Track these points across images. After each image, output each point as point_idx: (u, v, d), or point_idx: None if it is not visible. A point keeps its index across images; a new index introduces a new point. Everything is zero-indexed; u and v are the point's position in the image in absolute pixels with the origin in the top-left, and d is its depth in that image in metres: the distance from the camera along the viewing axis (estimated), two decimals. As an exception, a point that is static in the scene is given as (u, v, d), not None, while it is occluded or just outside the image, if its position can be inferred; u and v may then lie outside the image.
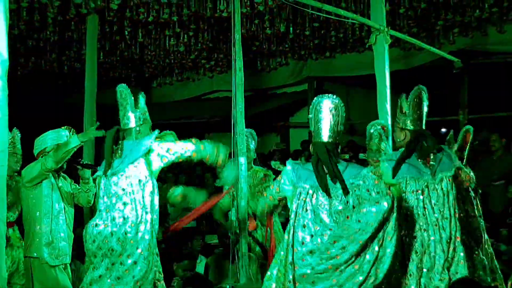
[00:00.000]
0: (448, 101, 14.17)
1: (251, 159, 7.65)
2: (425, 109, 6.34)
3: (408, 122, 6.22)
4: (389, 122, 7.70)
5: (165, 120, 16.40)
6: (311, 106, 5.53)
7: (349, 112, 15.83)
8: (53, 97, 17.35)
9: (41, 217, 6.41)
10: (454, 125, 10.26)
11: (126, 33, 12.13)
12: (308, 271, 5.14)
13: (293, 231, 5.25)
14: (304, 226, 5.21)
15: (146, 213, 5.53)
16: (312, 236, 5.17)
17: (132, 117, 5.91)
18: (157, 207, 5.62)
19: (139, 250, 5.46)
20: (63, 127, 6.72)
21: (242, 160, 6.61)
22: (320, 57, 14.85)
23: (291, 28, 12.24)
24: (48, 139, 6.61)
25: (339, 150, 5.43)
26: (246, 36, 11.87)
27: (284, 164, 5.59)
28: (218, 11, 10.85)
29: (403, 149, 6.09)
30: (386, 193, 5.16)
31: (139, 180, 5.57)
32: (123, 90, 5.96)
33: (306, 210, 5.25)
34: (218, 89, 16.34)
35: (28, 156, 6.86)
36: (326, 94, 5.58)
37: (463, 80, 13.78)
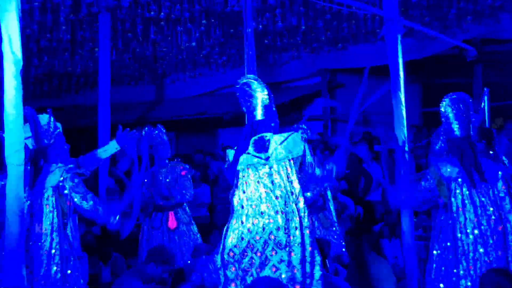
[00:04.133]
0: (462, 89, 14.07)
1: None
2: None
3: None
4: (404, 112, 7.66)
5: (179, 116, 16.48)
6: (443, 105, 5.66)
7: (363, 103, 15.81)
8: (67, 96, 17.45)
9: None
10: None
11: (138, 31, 12.16)
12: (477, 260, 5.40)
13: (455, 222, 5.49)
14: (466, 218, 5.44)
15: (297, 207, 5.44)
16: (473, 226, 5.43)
17: (260, 110, 5.57)
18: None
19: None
20: None
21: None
22: (333, 49, 14.82)
23: (302, 21, 12.23)
24: None
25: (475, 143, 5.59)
26: (258, 30, 11.87)
27: None
28: (229, 6, 10.85)
29: None
30: None
31: (288, 177, 5.46)
32: (254, 81, 5.63)
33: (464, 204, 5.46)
34: (231, 84, 16.34)
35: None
36: (451, 93, 5.75)
37: (477, 68, 13.71)
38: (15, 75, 4.59)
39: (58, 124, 5.76)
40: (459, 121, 5.56)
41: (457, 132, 5.54)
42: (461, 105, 5.58)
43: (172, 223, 8.21)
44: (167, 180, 8.37)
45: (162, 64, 15.67)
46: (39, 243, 5.41)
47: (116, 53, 13.53)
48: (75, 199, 5.49)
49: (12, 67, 4.58)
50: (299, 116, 16.19)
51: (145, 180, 8.23)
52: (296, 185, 5.39)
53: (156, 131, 8.38)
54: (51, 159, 5.63)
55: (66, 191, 5.48)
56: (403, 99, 7.68)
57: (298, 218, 5.33)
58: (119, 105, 13.74)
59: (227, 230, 5.42)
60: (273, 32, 13.09)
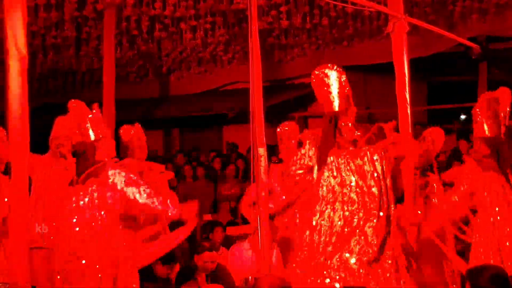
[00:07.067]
0: (467, 87, 14.07)
1: None
2: None
3: None
4: (409, 110, 7.64)
5: (184, 112, 16.49)
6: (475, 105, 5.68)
7: (368, 101, 15.80)
8: (72, 93, 17.46)
9: None
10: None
11: (143, 28, 12.18)
12: None
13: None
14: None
15: None
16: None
17: (339, 101, 5.50)
18: None
19: None
20: None
21: (261, 151, 6.59)
22: (338, 46, 14.81)
23: (307, 19, 12.22)
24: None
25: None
26: (263, 27, 11.87)
27: None
28: (234, 3, 10.86)
29: None
30: None
31: (381, 168, 5.41)
32: (334, 70, 5.56)
33: None
34: (236, 81, 16.36)
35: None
36: (483, 94, 5.76)
37: (482, 66, 13.69)
38: (20, 72, 4.59)
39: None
40: (490, 121, 5.57)
41: (487, 132, 5.56)
42: (493, 105, 5.58)
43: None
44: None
45: (166, 61, 15.68)
46: (91, 245, 5.29)
47: (121, 50, 13.55)
48: (128, 194, 5.28)
49: (17, 64, 4.58)
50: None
51: None
52: (388, 178, 5.37)
53: (133, 131, 7.96)
54: (100, 155, 5.48)
55: (118, 187, 5.28)
56: (408, 97, 7.67)
57: (384, 211, 5.31)
58: (124, 102, 13.74)
59: (314, 216, 5.41)
60: (278, 29, 13.09)
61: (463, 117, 14.77)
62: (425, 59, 13.22)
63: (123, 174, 5.34)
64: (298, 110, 16.24)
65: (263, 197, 6.33)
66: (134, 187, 5.29)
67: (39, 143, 6.99)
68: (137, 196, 5.27)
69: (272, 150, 8.16)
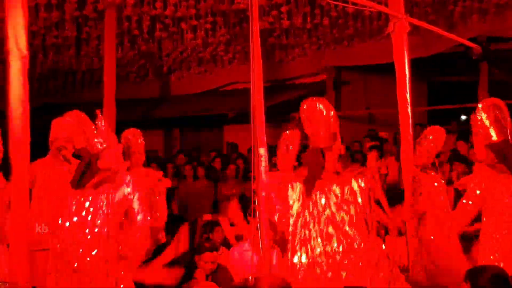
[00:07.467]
0: (468, 88, 14.07)
1: None
2: None
3: None
4: (409, 110, 7.64)
5: (184, 113, 16.49)
6: (478, 112, 5.73)
7: (368, 101, 15.80)
8: (72, 93, 17.47)
9: None
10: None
11: (144, 28, 12.17)
12: None
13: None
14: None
15: None
16: None
17: (325, 137, 5.66)
18: None
19: None
20: None
21: (262, 151, 6.58)
22: (338, 46, 14.81)
23: (308, 19, 12.22)
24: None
25: None
26: (264, 27, 11.87)
27: None
28: (235, 3, 10.86)
29: None
30: None
31: (361, 200, 5.50)
32: (322, 104, 5.72)
33: None
34: (237, 81, 16.36)
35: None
36: (484, 100, 5.81)
37: (482, 66, 13.68)
38: (21, 72, 4.58)
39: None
40: (495, 126, 5.61)
41: (494, 137, 5.60)
42: (495, 111, 5.61)
43: None
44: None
45: (167, 61, 15.68)
46: (92, 250, 5.31)
47: (122, 50, 13.54)
48: (135, 209, 5.41)
49: (18, 64, 4.58)
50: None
51: None
52: (369, 206, 5.40)
53: (130, 136, 7.80)
54: (102, 163, 5.54)
55: (129, 198, 5.40)
56: (408, 97, 7.66)
57: (369, 238, 5.33)
58: (124, 102, 13.74)
59: (294, 247, 5.46)
60: (279, 29, 13.09)
61: (463, 117, 14.74)
62: (425, 59, 13.22)
63: (137, 190, 5.45)
64: (298, 110, 16.22)
65: (263, 197, 6.32)
66: (141, 207, 5.44)
67: (39, 143, 6.96)
68: (140, 215, 5.43)
69: (273, 150, 8.16)
